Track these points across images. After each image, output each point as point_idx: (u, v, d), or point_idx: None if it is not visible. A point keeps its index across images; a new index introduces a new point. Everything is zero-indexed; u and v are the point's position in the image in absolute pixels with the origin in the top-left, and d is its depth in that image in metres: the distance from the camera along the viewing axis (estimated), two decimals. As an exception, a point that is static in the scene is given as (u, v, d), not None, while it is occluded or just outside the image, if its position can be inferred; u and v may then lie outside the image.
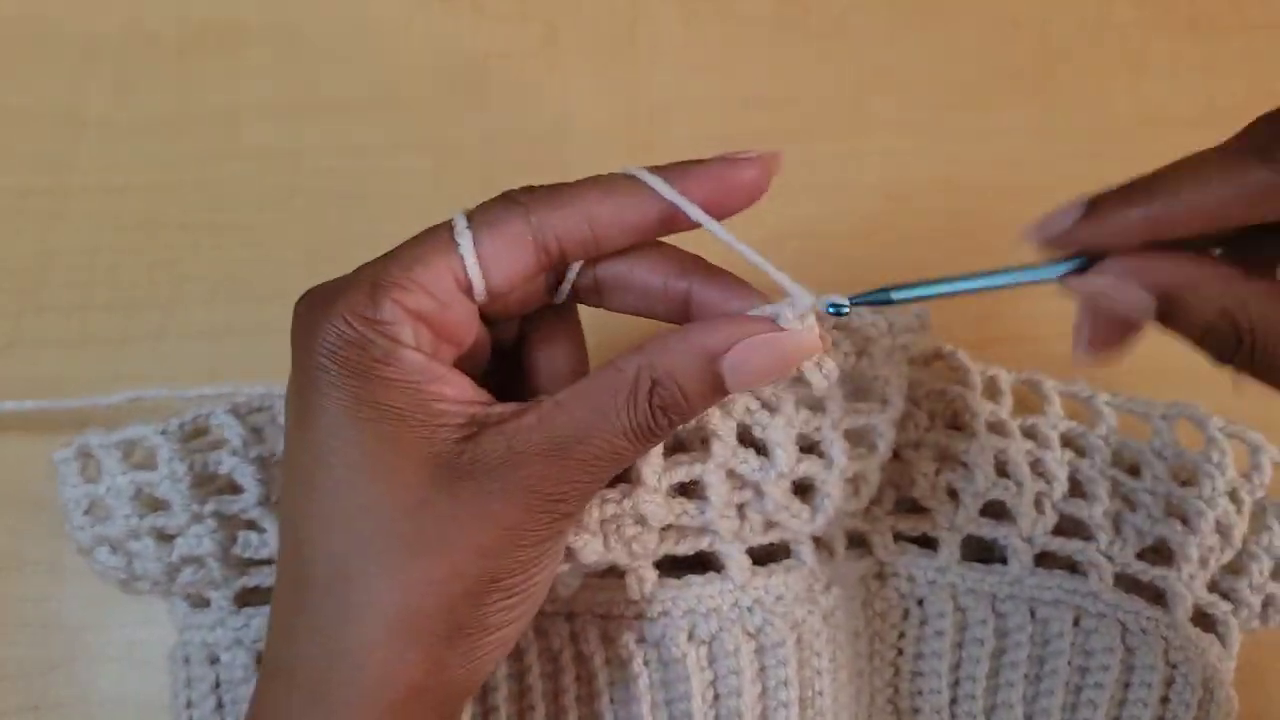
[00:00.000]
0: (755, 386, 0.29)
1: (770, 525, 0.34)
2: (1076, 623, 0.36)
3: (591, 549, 0.31)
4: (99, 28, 0.45)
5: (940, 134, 0.45)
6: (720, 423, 0.32)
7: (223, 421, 0.34)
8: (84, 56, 0.45)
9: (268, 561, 0.35)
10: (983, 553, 0.37)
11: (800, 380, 0.31)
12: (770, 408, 0.33)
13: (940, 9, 0.46)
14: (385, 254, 0.28)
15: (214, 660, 0.35)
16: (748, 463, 0.33)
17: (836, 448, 0.33)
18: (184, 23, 0.46)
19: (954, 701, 0.36)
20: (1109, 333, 0.30)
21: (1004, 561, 0.37)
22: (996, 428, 0.36)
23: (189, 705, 0.35)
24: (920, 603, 0.37)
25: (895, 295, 0.28)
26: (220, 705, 0.35)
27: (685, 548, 0.34)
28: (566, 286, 0.30)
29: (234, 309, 0.43)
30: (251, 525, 0.35)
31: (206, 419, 0.35)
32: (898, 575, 0.37)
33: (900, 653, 0.37)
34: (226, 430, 0.34)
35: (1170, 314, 0.27)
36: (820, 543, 0.35)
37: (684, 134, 0.45)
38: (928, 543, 0.37)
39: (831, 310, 0.28)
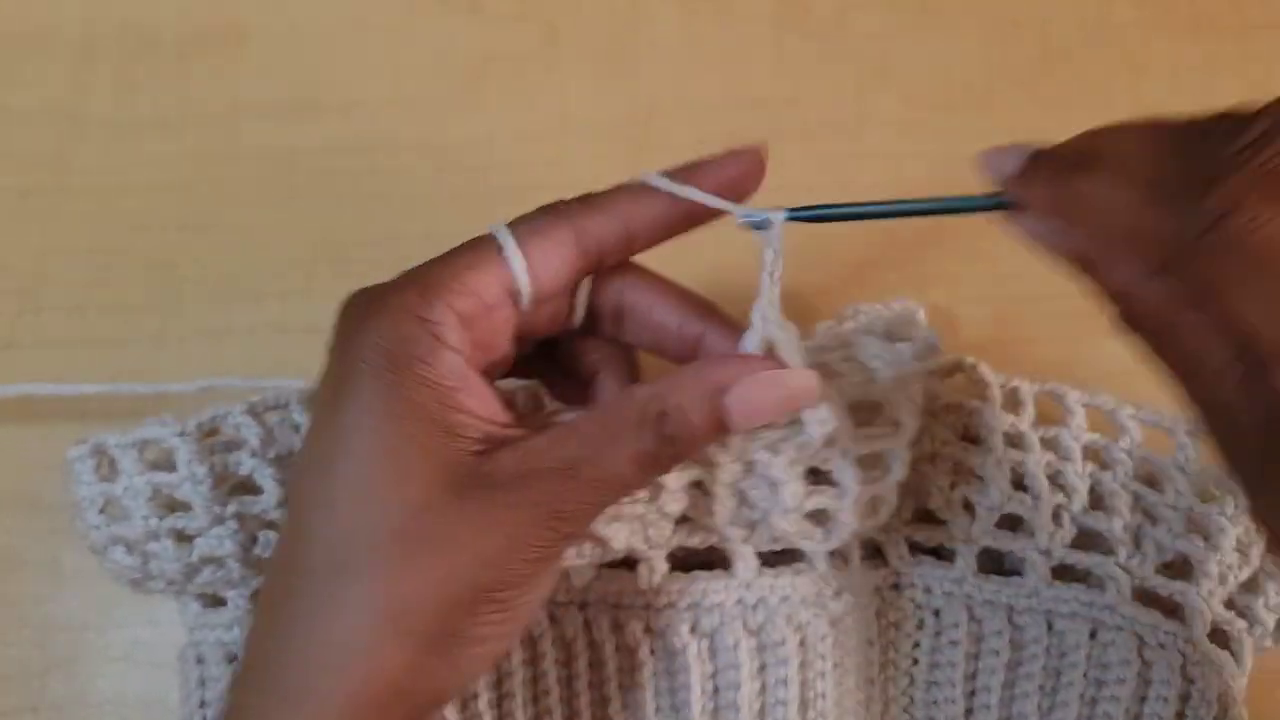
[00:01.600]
0: (757, 423, 0.30)
1: (782, 535, 0.34)
2: (1093, 635, 0.36)
3: (620, 536, 0.32)
4: (98, 28, 0.45)
5: (940, 134, 0.45)
6: (723, 454, 0.32)
7: (240, 421, 0.34)
8: (83, 56, 0.45)
9: None
10: (1001, 563, 0.37)
11: (798, 423, 0.31)
12: (772, 449, 0.32)
13: (940, 9, 0.46)
14: (432, 260, 0.29)
15: (231, 659, 0.35)
16: (758, 489, 0.33)
17: (849, 475, 0.33)
18: (184, 23, 0.46)
19: (969, 712, 0.36)
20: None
21: (1021, 573, 0.36)
22: (1015, 440, 0.36)
23: (202, 705, 0.35)
24: (936, 613, 0.37)
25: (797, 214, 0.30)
26: None
27: (698, 540, 0.34)
28: (581, 311, 0.32)
29: (233, 309, 0.43)
30: (271, 525, 0.35)
31: (222, 419, 0.35)
32: (913, 586, 0.37)
33: (915, 662, 0.37)
34: (244, 430, 0.34)
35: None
36: (835, 551, 0.35)
37: (684, 134, 0.45)
38: (944, 554, 0.37)
39: (748, 221, 0.30)
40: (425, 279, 0.29)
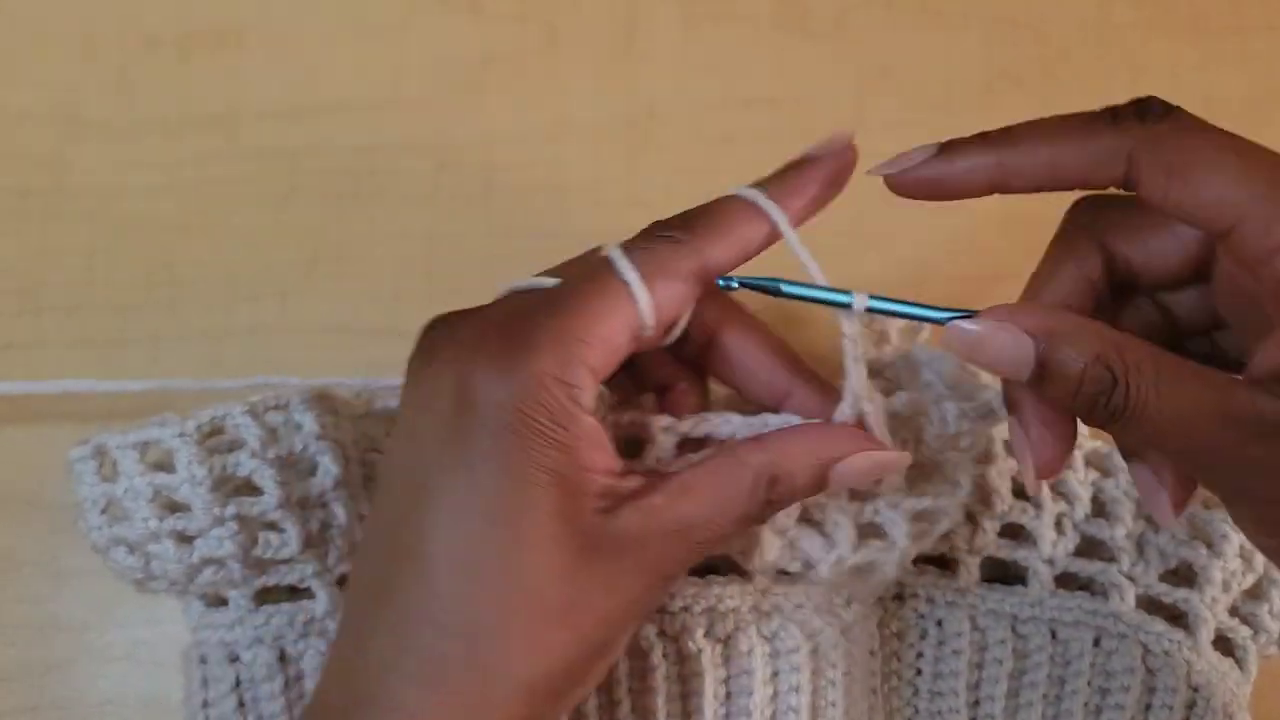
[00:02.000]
0: (852, 486, 0.31)
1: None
2: (1097, 643, 0.35)
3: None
4: (98, 28, 0.45)
5: (940, 134, 0.44)
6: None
7: (240, 422, 0.34)
8: (83, 57, 0.45)
9: (287, 561, 0.35)
10: (1003, 570, 0.37)
11: None
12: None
13: (940, 9, 0.46)
14: (553, 300, 0.28)
15: (234, 659, 0.35)
16: (810, 539, 0.33)
17: (900, 530, 0.32)
18: (183, 23, 0.46)
19: None
20: (1044, 441, 0.29)
21: (1024, 582, 0.36)
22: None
23: (205, 705, 0.35)
24: (939, 623, 0.37)
25: (785, 289, 0.29)
26: (241, 704, 0.35)
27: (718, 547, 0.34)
28: (678, 333, 0.31)
29: (232, 311, 0.43)
30: (272, 526, 0.34)
31: (223, 420, 0.34)
32: (916, 596, 0.37)
33: (919, 673, 0.37)
34: (244, 431, 0.34)
35: (1047, 367, 0.26)
36: None
37: (683, 134, 0.45)
38: (946, 564, 0.37)
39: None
40: (558, 332, 0.27)
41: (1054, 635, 0.36)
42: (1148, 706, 0.35)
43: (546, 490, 0.27)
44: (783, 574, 0.34)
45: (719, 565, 0.35)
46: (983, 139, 0.28)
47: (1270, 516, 0.27)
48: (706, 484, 0.29)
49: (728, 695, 0.34)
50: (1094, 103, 0.29)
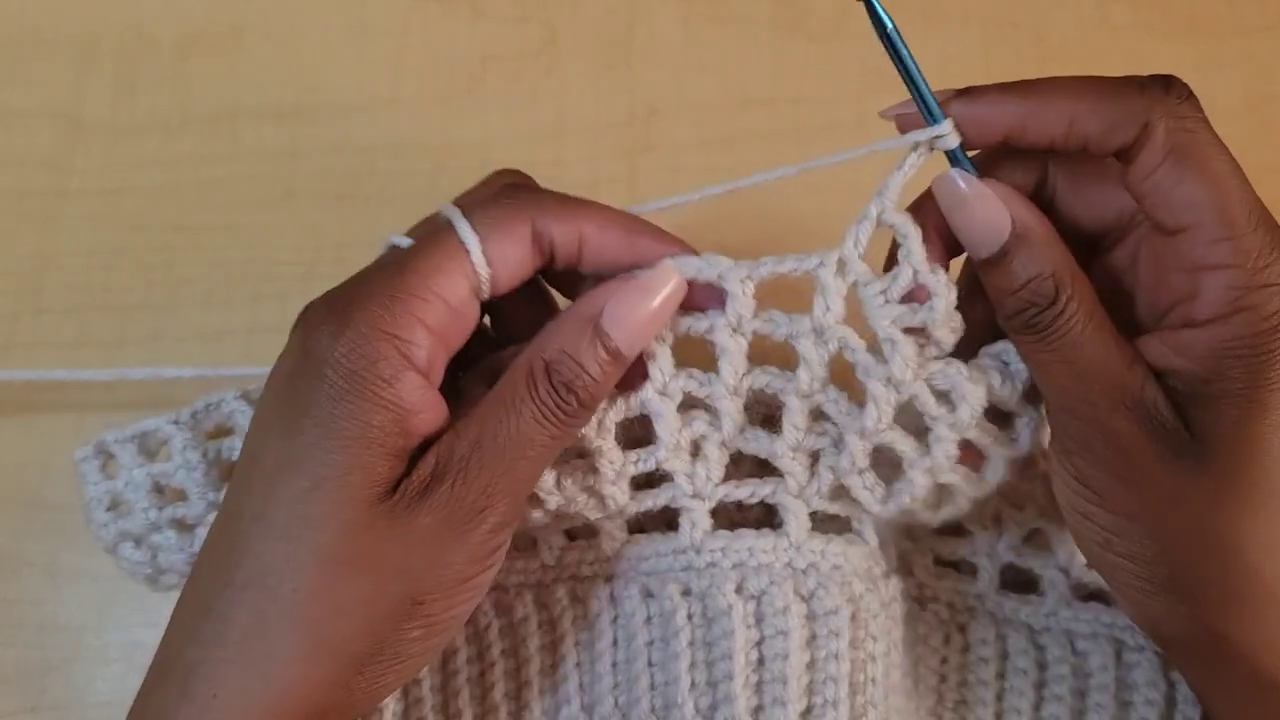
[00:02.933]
0: (647, 337, 0.29)
1: (839, 493, 0.32)
2: (1118, 656, 0.35)
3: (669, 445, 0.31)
4: (97, 30, 0.45)
5: (939, 135, 0.45)
6: (813, 349, 0.30)
7: (234, 408, 0.34)
8: (82, 58, 0.45)
9: None
10: (1020, 576, 0.36)
11: (923, 334, 0.29)
12: (880, 356, 0.30)
13: (939, 10, 0.46)
14: (393, 260, 0.28)
15: None
16: (837, 403, 0.30)
17: (942, 446, 0.30)
18: (182, 25, 0.46)
19: None
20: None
21: (1040, 592, 0.35)
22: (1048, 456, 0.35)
23: None
24: (961, 629, 0.36)
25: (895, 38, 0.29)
26: None
27: (744, 492, 0.32)
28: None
29: (231, 311, 0.43)
30: None
31: (217, 406, 0.34)
32: (937, 600, 0.36)
33: (943, 679, 0.36)
34: (238, 416, 0.34)
35: (1008, 256, 0.27)
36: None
37: (682, 135, 0.45)
38: (964, 568, 0.36)
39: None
40: (392, 288, 0.27)
41: (1073, 647, 0.35)
42: None
43: (365, 452, 0.26)
44: (817, 532, 0.32)
45: (752, 521, 0.34)
46: (1004, 88, 0.28)
47: (1094, 481, 0.28)
48: (488, 400, 0.28)
49: (760, 660, 0.31)
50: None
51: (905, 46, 0.29)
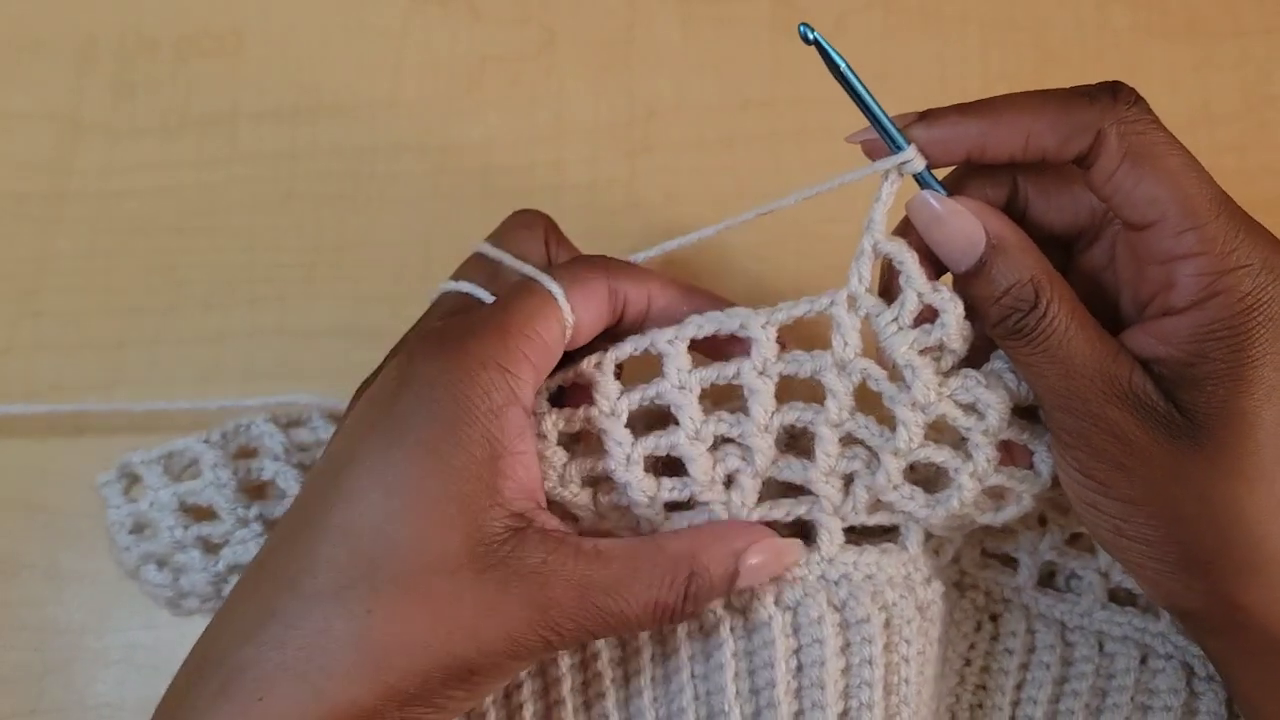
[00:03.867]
0: (755, 583, 0.32)
1: (877, 506, 0.33)
2: (1143, 661, 0.35)
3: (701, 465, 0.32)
4: (97, 32, 0.45)
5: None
6: (837, 381, 0.31)
7: (263, 430, 0.35)
8: (82, 60, 0.45)
9: None
10: (1060, 577, 0.37)
11: (938, 350, 0.30)
12: (902, 383, 0.31)
13: (938, 12, 0.46)
14: (489, 308, 0.30)
15: None
16: (868, 428, 0.31)
17: (981, 453, 0.31)
18: (182, 27, 0.46)
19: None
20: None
21: (1075, 590, 0.36)
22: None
23: None
24: (994, 618, 0.37)
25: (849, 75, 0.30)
26: None
27: (780, 513, 0.33)
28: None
29: (231, 313, 0.43)
30: None
31: (247, 428, 0.35)
32: (974, 588, 0.37)
33: (968, 663, 0.37)
34: (268, 439, 0.35)
35: (986, 266, 0.28)
36: (930, 539, 0.35)
37: (682, 136, 0.45)
38: (1008, 562, 0.37)
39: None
40: (502, 325, 0.29)
41: (1101, 648, 0.36)
42: None
43: (462, 481, 0.27)
44: (852, 545, 0.33)
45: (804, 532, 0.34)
46: (962, 109, 0.29)
47: (1096, 472, 0.29)
48: (623, 557, 0.29)
49: (799, 667, 0.33)
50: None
51: (860, 81, 0.29)
